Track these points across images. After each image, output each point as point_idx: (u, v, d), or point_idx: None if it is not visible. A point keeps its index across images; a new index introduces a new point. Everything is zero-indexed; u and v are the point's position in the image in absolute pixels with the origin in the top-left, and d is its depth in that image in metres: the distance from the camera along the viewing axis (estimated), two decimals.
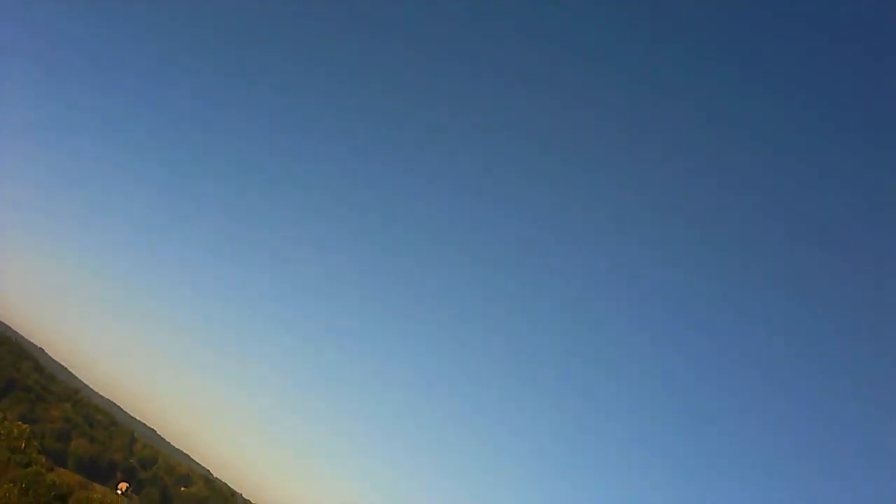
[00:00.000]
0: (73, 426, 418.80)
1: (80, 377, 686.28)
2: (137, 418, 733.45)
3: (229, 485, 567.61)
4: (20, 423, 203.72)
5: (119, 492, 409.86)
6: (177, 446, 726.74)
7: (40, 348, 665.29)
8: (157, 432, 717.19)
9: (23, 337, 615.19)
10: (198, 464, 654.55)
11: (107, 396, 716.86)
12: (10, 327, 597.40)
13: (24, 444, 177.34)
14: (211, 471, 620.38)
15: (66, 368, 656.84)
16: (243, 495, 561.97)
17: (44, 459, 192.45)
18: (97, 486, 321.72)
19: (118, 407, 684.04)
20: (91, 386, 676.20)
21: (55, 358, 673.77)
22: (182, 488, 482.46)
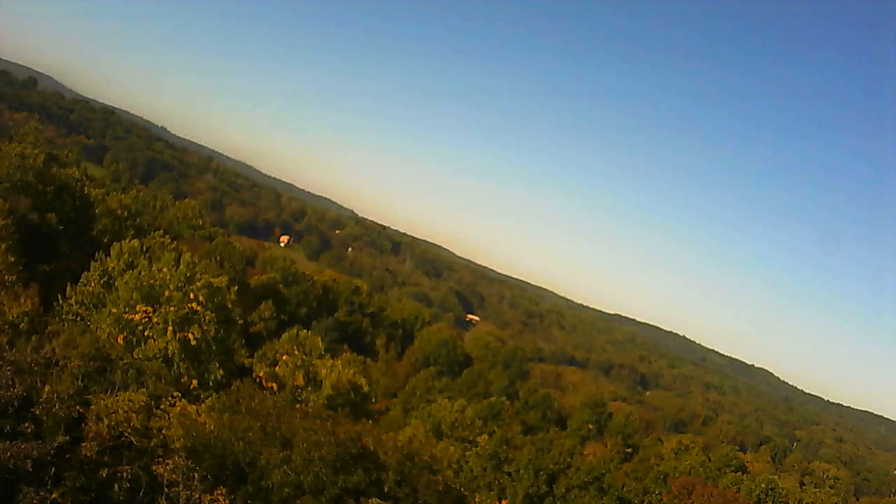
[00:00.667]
0: (221, 194, 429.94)
1: (207, 145, 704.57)
2: (273, 175, 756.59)
3: (376, 220, 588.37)
4: (189, 199, 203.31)
5: (282, 244, 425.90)
6: (318, 193, 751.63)
7: (161, 127, 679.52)
8: (296, 185, 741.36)
9: (144, 119, 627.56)
10: (342, 206, 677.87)
11: (237, 158, 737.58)
12: (128, 111, 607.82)
13: (200, 220, 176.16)
14: (356, 211, 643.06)
15: (192, 141, 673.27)
16: (391, 227, 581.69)
17: (220, 230, 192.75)
18: (265, 244, 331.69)
19: (251, 168, 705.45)
20: (221, 151, 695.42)
21: (179, 134, 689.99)
22: (336, 231, 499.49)
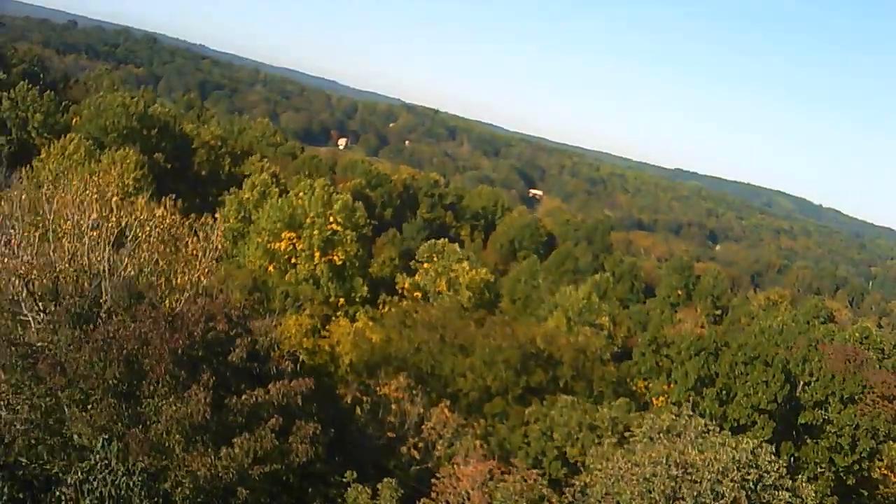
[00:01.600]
0: (274, 104, 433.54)
1: (248, 56, 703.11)
2: (317, 75, 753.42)
3: (426, 105, 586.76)
4: (261, 119, 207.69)
5: (341, 146, 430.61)
6: (363, 89, 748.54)
7: (200, 45, 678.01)
8: (340, 83, 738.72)
9: (182, 40, 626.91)
10: (392, 97, 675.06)
11: (280, 65, 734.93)
12: (166, 35, 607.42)
13: (277, 137, 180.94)
14: (403, 98, 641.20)
15: (233, 54, 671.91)
16: (442, 111, 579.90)
17: (298, 144, 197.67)
18: (321, 150, 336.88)
19: (299, 72, 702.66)
20: (262, 61, 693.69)
21: (219, 49, 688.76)
22: (390, 124, 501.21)
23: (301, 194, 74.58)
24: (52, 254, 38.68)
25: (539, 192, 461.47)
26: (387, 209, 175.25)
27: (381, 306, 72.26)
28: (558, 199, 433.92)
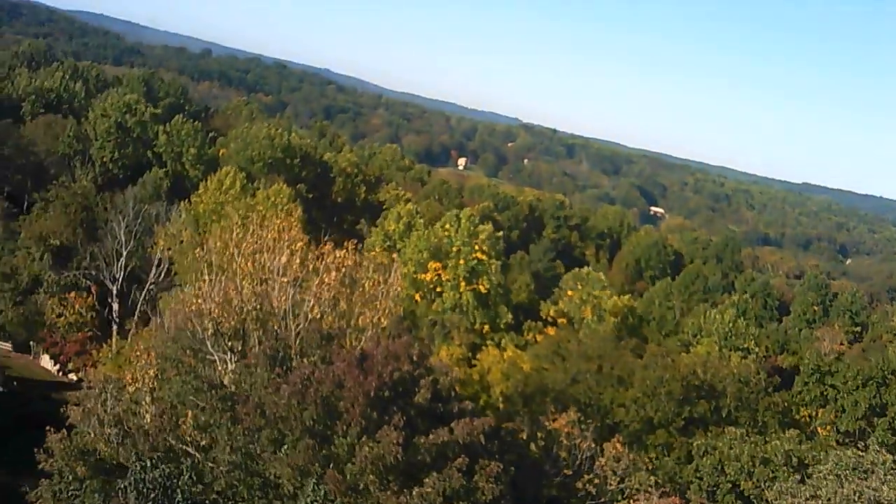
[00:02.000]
0: (396, 127, 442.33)
1: (369, 80, 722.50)
2: (436, 98, 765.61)
3: (544, 125, 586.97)
4: (389, 144, 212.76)
5: (461, 167, 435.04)
6: (482, 109, 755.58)
7: (325, 69, 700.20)
8: (458, 104, 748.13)
9: (309, 65, 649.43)
10: (510, 117, 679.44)
11: (401, 90, 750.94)
12: (293, 61, 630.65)
13: (406, 161, 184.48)
14: (521, 118, 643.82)
15: (356, 78, 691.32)
16: (560, 130, 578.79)
17: (426, 167, 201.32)
18: (441, 171, 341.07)
19: (419, 96, 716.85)
20: (384, 85, 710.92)
21: (341, 72, 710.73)
22: (509, 144, 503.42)
23: (448, 226, 76.45)
24: (237, 295, 41.11)
25: (660, 210, 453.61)
26: (513, 232, 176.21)
27: (525, 333, 73.11)
28: (680, 217, 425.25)
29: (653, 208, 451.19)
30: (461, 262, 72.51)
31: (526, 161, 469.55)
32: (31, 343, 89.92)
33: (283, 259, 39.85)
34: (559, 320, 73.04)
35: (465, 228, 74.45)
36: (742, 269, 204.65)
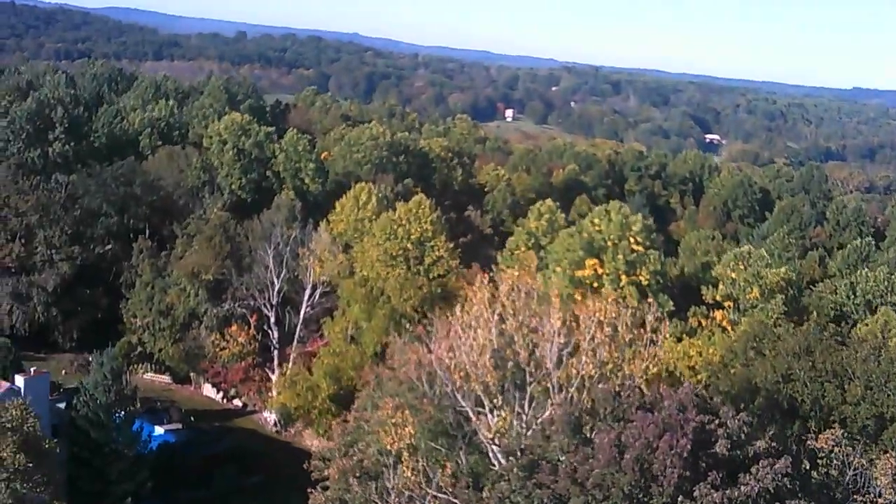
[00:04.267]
0: (440, 87, 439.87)
1: (400, 40, 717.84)
2: (470, 48, 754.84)
3: (583, 62, 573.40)
4: (460, 117, 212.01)
5: (508, 118, 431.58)
6: (516, 53, 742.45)
7: (354, 33, 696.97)
8: (493, 52, 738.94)
9: (341, 32, 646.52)
10: (545, 58, 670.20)
11: (434, 44, 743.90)
12: (325, 30, 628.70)
13: (482, 131, 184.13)
14: (556, 58, 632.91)
15: (386, 39, 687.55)
16: (603, 66, 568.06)
17: (502, 140, 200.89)
18: (491, 126, 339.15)
19: (453, 48, 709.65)
20: (415, 42, 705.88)
21: (371, 34, 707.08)
22: (553, 88, 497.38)
23: (597, 220, 76.93)
24: (505, 349, 42.22)
25: (716, 137, 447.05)
26: (598, 189, 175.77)
27: (690, 319, 73.66)
28: (739, 142, 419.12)
29: (708, 136, 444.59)
30: (620, 256, 73.02)
31: (573, 104, 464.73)
32: (192, 374, 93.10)
33: (556, 319, 40.60)
34: (726, 303, 73.54)
35: (617, 222, 74.85)
36: (830, 196, 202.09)
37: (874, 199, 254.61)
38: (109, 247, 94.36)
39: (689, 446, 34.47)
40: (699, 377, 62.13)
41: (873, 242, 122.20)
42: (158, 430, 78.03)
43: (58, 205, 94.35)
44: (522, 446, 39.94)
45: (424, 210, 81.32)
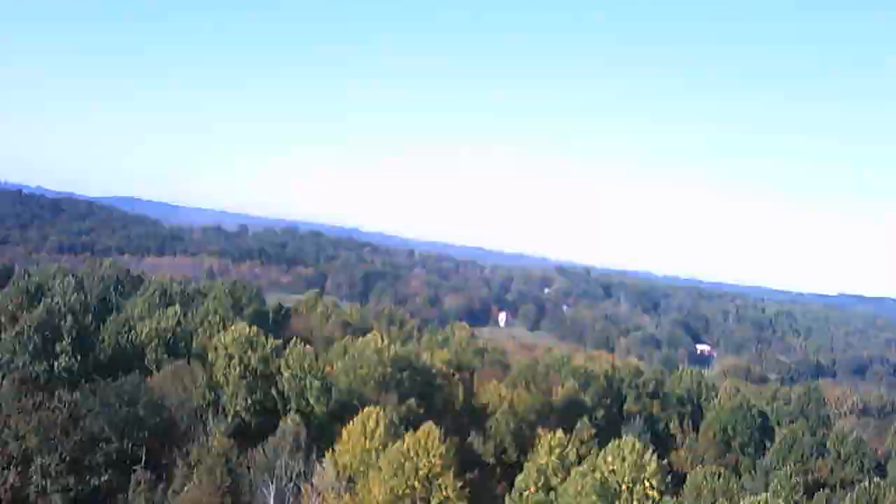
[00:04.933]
0: (435, 287, 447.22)
1: (400, 235, 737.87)
2: (464, 245, 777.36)
3: (576, 262, 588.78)
4: (460, 324, 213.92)
5: (501, 323, 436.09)
6: (509, 251, 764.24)
7: (353, 228, 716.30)
8: (485, 248, 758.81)
9: (340, 227, 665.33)
10: (538, 257, 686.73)
11: (429, 240, 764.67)
12: (325, 224, 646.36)
13: (480, 343, 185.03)
14: (549, 256, 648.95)
15: (384, 234, 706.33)
16: (595, 267, 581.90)
17: (501, 348, 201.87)
18: (484, 331, 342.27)
19: (447, 244, 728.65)
20: (414, 238, 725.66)
21: (370, 230, 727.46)
22: (545, 290, 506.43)
23: (610, 458, 75.72)
24: None
25: (707, 348, 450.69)
26: (598, 410, 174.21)
27: None
28: (730, 356, 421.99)
29: (699, 346, 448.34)
30: (635, 502, 71.35)
31: (565, 308, 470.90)
32: None
33: None
34: None
35: (631, 462, 73.60)
36: (829, 423, 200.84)
37: (869, 423, 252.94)
38: (105, 478, 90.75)
39: None
40: None
41: (881, 483, 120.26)
42: None
43: (59, 428, 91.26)
44: None
45: (433, 441, 79.92)
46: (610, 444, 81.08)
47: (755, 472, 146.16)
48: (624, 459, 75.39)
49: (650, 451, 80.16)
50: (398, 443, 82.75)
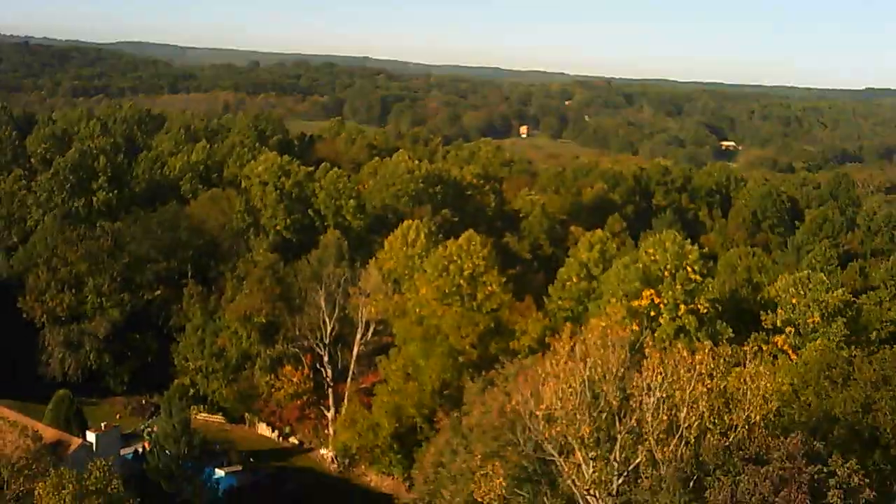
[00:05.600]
0: (454, 106, 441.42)
1: (412, 60, 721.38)
2: (479, 66, 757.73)
3: (596, 75, 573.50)
4: (484, 140, 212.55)
5: (524, 135, 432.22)
6: (526, 69, 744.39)
7: (365, 57, 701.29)
8: (502, 68, 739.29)
9: (353, 57, 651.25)
10: (556, 73, 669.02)
11: (444, 63, 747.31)
12: (336, 55, 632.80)
13: (507, 155, 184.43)
14: (567, 71, 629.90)
15: (398, 61, 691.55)
16: (615, 78, 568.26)
17: (527, 162, 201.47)
18: (507, 142, 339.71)
19: (464, 66, 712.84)
20: (426, 63, 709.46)
21: (382, 57, 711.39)
22: (567, 102, 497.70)
23: (652, 249, 76.91)
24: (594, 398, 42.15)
25: (732, 144, 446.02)
26: (628, 207, 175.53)
27: (750, 345, 72.99)
28: (756, 148, 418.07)
29: (724, 143, 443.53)
30: (678, 286, 72.97)
31: (587, 117, 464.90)
32: (246, 414, 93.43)
33: (655, 374, 40.34)
34: (787, 329, 73.18)
35: (673, 252, 74.77)
36: (858, 202, 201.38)
37: None
38: (158, 292, 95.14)
39: (807, 501, 34.41)
40: (770, 405, 61.60)
41: None
42: (219, 472, 78.18)
43: (105, 253, 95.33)
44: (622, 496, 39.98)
45: (475, 245, 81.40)
46: (650, 238, 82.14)
47: (787, 248, 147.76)
48: (666, 250, 76.45)
49: (688, 241, 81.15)
50: (440, 248, 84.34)
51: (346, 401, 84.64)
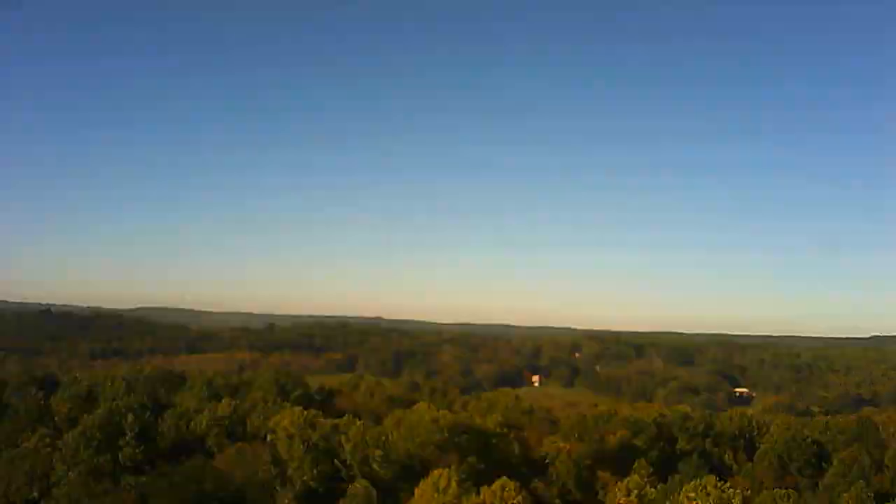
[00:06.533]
0: (466, 361, 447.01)
1: (423, 319, 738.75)
2: (489, 322, 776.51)
3: (605, 329, 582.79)
4: (502, 389, 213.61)
5: (536, 385, 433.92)
6: (536, 325, 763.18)
7: (377, 318, 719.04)
8: (513, 325, 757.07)
9: (365, 318, 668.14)
10: (564, 328, 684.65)
11: (455, 322, 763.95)
12: (348, 315, 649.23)
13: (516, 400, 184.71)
14: (575, 326, 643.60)
15: (410, 321, 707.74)
16: (625, 332, 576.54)
17: (540, 409, 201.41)
18: (521, 390, 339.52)
19: (473, 325, 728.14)
20: (437, 321, 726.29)
21: (393, 318, 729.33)
22: (576, 354, 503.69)
23: (693, 494, 76.00)
24: None
25: (745, 390, 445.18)
26: (652, 452, 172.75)
27: None
28: (769, 394, 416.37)
29: (737, 390, 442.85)
30: None
31: (598, 367, 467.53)
32: None
33: None
34: None
35: (716, 496, 73.75)
36: (884, 444, 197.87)
37: None
38: None
39: None
40: None
41: None
42: None
43: None
44: None
45: (510, 492, 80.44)
46: (691, 483, 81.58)
47: (818, 489, 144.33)
48: (708, 493, 75.74)
49: (730, 487, 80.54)
50: (473, 496, 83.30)
51: None
